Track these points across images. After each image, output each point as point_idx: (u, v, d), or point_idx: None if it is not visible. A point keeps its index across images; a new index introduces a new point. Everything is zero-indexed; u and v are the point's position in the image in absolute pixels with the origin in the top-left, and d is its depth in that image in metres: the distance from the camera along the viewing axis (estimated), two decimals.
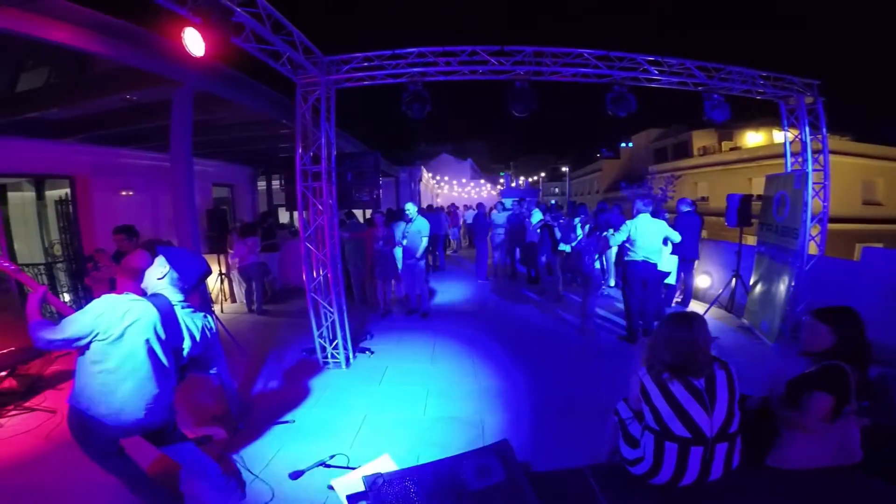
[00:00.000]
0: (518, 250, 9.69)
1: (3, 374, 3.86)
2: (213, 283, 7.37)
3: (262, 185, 12.91)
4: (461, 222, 16.14)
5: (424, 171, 18.62)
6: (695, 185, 23.25)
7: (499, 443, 2.03)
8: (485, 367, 4.82)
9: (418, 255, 6.52)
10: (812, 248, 5.69)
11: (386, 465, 2.78)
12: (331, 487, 2.69)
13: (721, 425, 1.92)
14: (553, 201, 24.63)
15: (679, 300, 7.01)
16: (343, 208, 6.41)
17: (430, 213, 11.21)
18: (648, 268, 5.29)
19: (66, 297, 7.13)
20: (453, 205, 17.72)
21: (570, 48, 4.88)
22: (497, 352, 5.28)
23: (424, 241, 6.52)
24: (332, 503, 2.59)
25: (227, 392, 3.70)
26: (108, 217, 6.68)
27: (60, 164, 6.92)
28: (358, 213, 8.73)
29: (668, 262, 5.93)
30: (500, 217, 9.77)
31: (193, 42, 2.85)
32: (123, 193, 7.92)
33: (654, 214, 5.44)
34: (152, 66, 3.66)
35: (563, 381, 4.43)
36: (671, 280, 6.62)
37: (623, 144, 38.27)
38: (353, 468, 2.93)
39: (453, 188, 29.54)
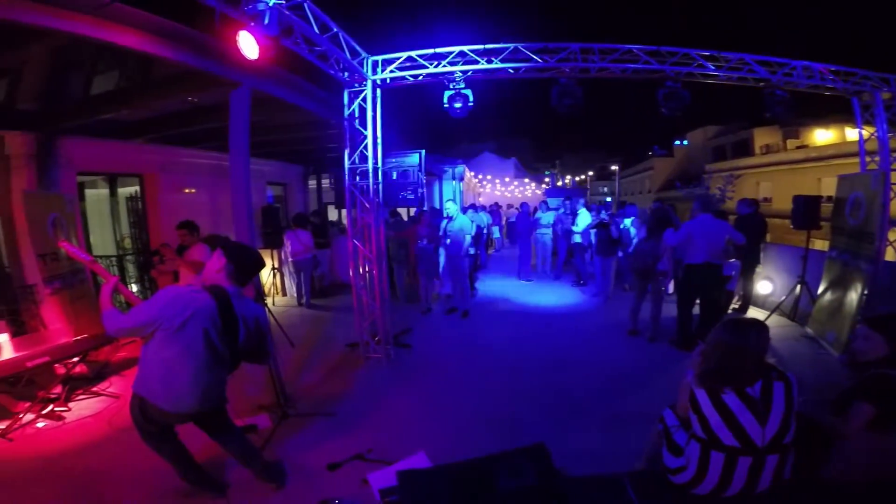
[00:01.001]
0: (564, 250, 9.49)
1: (76, 359, 4.15)
2: (265, 276, 7.71)
3: (312, 183, 13.34)
4: (503, 221, 16.00)
5: (466, 169, 18.57)
6: (756, 185, 21.93)
7: (534, 445, 2.00)
8: (525, 369, 4.75)
9: (462, 253, 6.52)
10: (889, 254, 5.21)
11: (420, 461, 2.79)
12: (365, 481, 2.74)
13: (774, 436, 1.83)
14: (608, 199, 23.82)
15: (736, 306, 6.63)
16: (388, 206, 6.53)
17: (471, 211, 11.17)
18: (710, 271, 5.01)
19: (134, 288, 7.69)
20: (496, 204, 17.60)
21: (619, 44, 4.70)
22: (539, 353, 5.19)
23: (468, 240, 6.52)
24: (365, 496, 2.63)
25: (275, 382, 3.86)
26: (172, 213, 7.14)
27: (131, 163, 7.45)
28: (402, 210, 8.87)
29: (727, 266, 5.62)
30: (544, 216, 9.60)
31: (247, 45, 2.98)
32: (186, 191, 8.42)
33: (715, 215, 5.16)
34: (211, 68, 3.86)
35: (606, 385, 4.30)
36: (729, 285, 6.26)
37: (677, 142, 36.62)
38: (388, 463, 2.97)
39: (496, 187, 29.32)
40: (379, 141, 4.84)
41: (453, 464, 2.14)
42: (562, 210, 9.69)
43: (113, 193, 8.04)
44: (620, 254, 7.40)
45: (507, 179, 31.58)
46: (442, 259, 7.26)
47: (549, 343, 5.54)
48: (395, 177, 6.23)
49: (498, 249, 14.52)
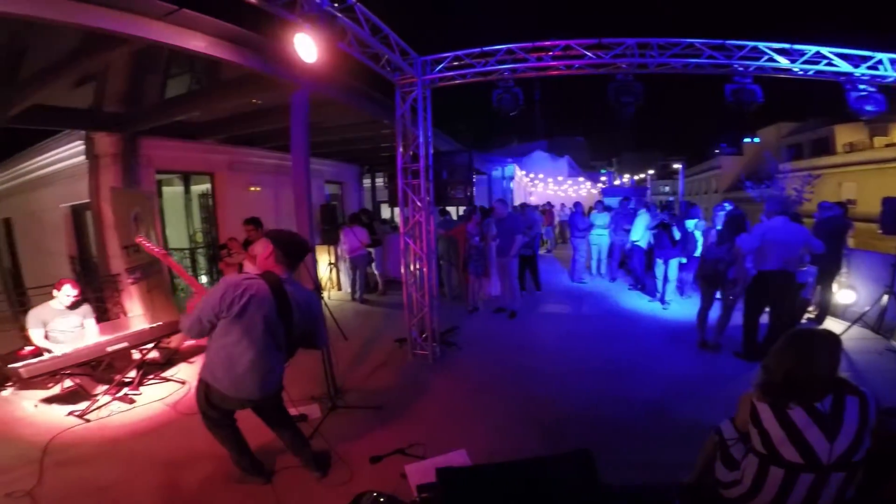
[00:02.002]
0: (620, 252, 9.15)
1: (151, 345, 4.48)
2: (322, 271, 8.03)
3: (367, 182, 13.73)
4: (556, 221, 15.65)
5: (517, 168, 18.33)
6: (838, 186, 20.04)
7: (579, 450, 1.94)
8: (574, 372, 4.63)
9: (511, 253, 6.46)
10: None
11: (461, 459, 2.80)
12: (403, 475, 2.78)
13: (843, 453, 1.69)
14: (670, 199, 22.64)
15: (812, 316, 6.10)
16: (438, 205, 6.58)
17: (523, 211, 11.01)
18: (785, 278, 4.63)
19: (204, 280, 8.28)
20: (548, 203, 17.23)
21: (680, 38, 4.46)
22: (589, 357, 5.04)
23: (518, 240, 6.44)
24: (403, 490, 2.67)
25: (327, 374, 4.01)
26: (239, 209, 7.61)
27: (202, 162, 8.00)
28: (451, 209, 8.91)
29: (802, 273, 5.18)
30: (600, 217, 9.29)
31: (305, 48, 3.12)
32: (252, 189, 8.93)
33: (791, 218, 4.76)
34: (272, 70, 4.08)
35: (660, 394, 4.11)
36: (804, 292, 5.78)
37: (747, 140, 34.15)
38: (428, 458, 3.00)
39: (548, 186, 28.72)
40: (429, 140, 4.90)
41: (493, 464, 2.13)
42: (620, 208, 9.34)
43: (187, 191, 8.68)
44: (683, 258, 7.01)
45: (560, 178, 30.83)
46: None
47: (600, 347, 5.37)
48: (445, 175, 6.27)
49: (549, 250, 14.24)
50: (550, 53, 4.60)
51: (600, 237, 9.32)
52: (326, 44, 3.16)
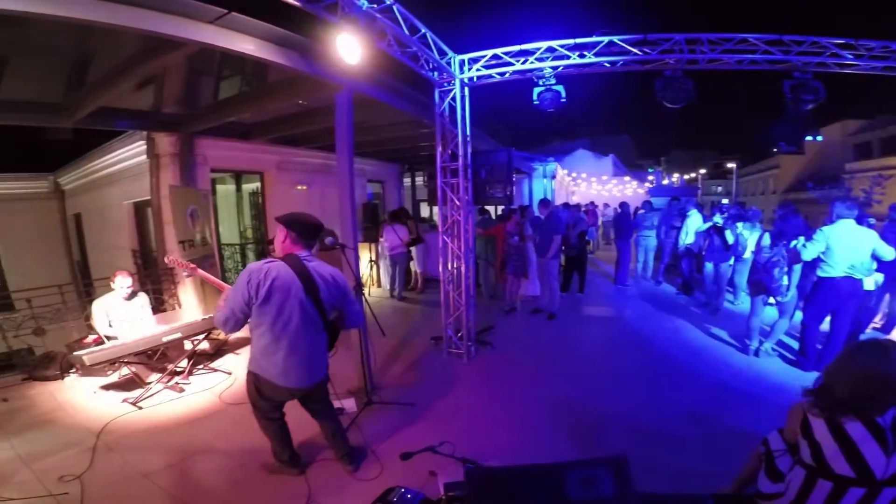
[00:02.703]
0: (668, 254, 8.79)
1: (202, 336, 4.70)
2: (364, 267, 8.21)
3: (406, 181, 13.90)
4: (599, 222, 15.24)
5: (559, 167, 17.97)
6: None
7: (615, 456, 1.88)
8: (613, 377, 4.51)
9: (550, 254, 6.36)
10: None
11: (490, 459, 2.79)
12: (432, 473, 2.80)
13: None
14: (724, 201, 21.48)
15: (878, 325, 5.64)
16: (477, 204, 6.58)
17: (565, 211, 10.78)
18: (850, 286, 4.28)
19: None
20: (592, 203, 16.82)
21: (732, 33, 4.24)
22: (631, 363, 4.89)
23: (557, 240, 6.34)
24: (430, 488, 2.68)
25: (365, 369, 4.10)
26: (286, 207, 7.84)
27: (253, 161, 8.37)
28: (490, 208, 8.84)
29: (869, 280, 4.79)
30: (647, 217, 8.96)
31: (347, 49, 3.20)
32: (298, 187, 9.26)
33: (859, 221, 4.41)
34: (316, 72, 4.20)
35: (704, 402, 3.93)
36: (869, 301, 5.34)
37: (809, 138, 31.90)
38: (458, 458, 3.01)
39: (591, 185, 28.00)
40: (468, 138, 4.90)
41: (523, 465, 2.11)
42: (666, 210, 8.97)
43: (238, 189, 9.11)
44: (734, 261, 6.65)
45: (604, 178, 30.02)
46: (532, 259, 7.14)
47: (641, 353, 5.19)
48: (484, 174, 6.27)
49: (592, 251, 13.87)
50: (593, 50, 4.48)
51: (647, 239, 9.00)
52: (367, 44, 3.23)
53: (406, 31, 3.82)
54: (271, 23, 3.66)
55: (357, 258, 5.11)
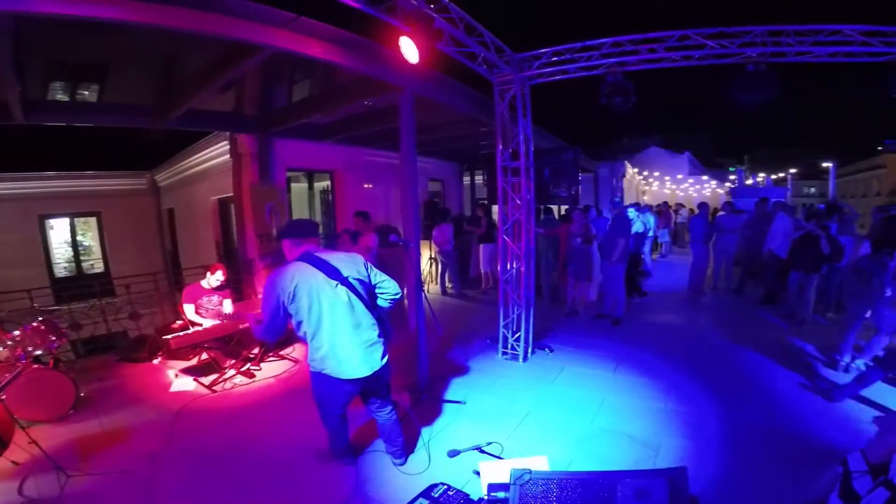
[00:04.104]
0: (750, 261, 8.08)
1: None
2: (424, 264, 8.35)
3: (466, 180, 13.94)
4: (673, 223, 14.35)
5: (629, 166, 17.15)
6: None
7: (673, 468, 1.77)
8: (679, 389, 4.22)
9: (615, 257, 6.08)
10: None
11: (540, 465, 2.73)
12: (476, 472, 2.77)
13: None
14: (820, 206, 19.37)
15: None
16: (540, 203, 6.43)
17: (635, 211, 10.27)
18: None
19: None
20: (664, 203, 15.89)
21: (821, 25, 3.83)
22: (701, 373, 4.54)
23: (623, 243, 6.03)
24: (474, 486, 2.67)
25: (419, 365, 4.16)
26: (354, 204, 8.24)
27: (324, 161, 8.79)
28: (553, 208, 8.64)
29: None
30: (727, 220, 8.28)
31: (408, 49, 3.27)
32: (365, 186, 9.60)
33: None
34: (380, 74, 4.33)
35: (779, 419, 3.61)
36: None
37: None
38: (504, 459, 2.96)
39: (665, 185, 26.46)
40: (530, 137, 4.81)
41: (573, 472, 2.03)
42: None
43: (310, 187, 9.60)
44: (825, 270, 5.99)
45: (679, 177, 28.28)
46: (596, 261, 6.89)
47: (716, 365, 4.80)
48: (547, 174, 6.12)
49: (664, 255, 13.07)
50: (665, 45, 4.22)
51: (727, 243, 8.32)
52: (426, 45, 3.29)
53: (462, 32, 3.83)
54: (337, 26, 3.82)
55: (419, 255, 5.20)
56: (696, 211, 9.35)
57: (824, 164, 36.44)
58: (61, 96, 5.05)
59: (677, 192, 26.61)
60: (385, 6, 3.22)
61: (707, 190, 28.64)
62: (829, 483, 1.87)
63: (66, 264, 11.18)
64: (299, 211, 9.59)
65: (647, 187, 24.55)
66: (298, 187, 9.88)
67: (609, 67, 4.48)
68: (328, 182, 9.20)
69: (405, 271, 4.65)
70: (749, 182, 40.73)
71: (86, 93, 5.09)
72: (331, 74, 5.29)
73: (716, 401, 3.98)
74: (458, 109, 6.17)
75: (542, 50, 4.63)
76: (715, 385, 4.29)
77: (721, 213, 8.88)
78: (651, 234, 10.30)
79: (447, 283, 8.30)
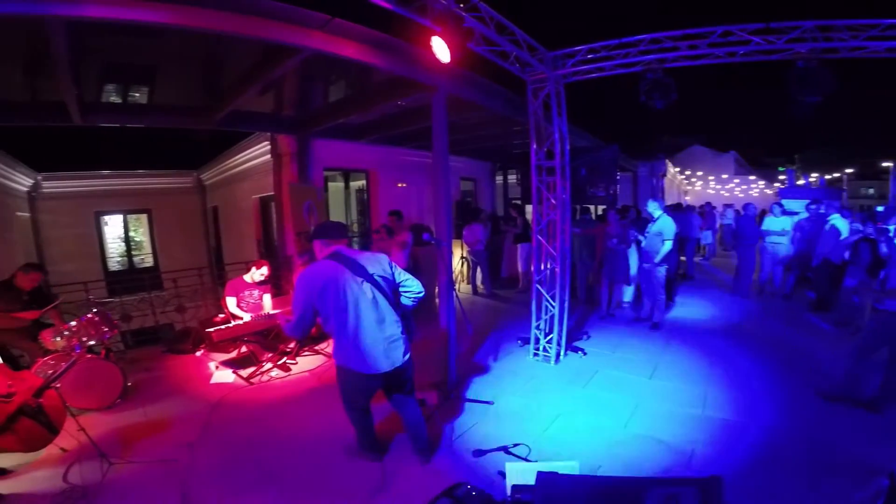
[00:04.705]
0: (801, 265, 7.63)
1: None
2: (455, 263, 8.37)
3: (499, 179, 13.82)
4: (717, 225, 13.75)
5: (670, 165, 16.55)
6: None
7: (708, 478, 1.68)
8: (718, 397, 4.03)
9: (657, 259, 5.86)
10: None
11: (567, 469, 2.67)
12: (501, 473, 2.75)
13: None
14: (879, 209, 18.05)
15: None
16: (577, 203, 6.29)
17: (677, 212, 9.89)
18: None
19: None
20: (708, 204, 15.27)
21: (877, 19, 3.59)
22: (742, 381, 4.34)
23: (667, 245, 5.81)
24: (498, 488, 2.65)
25: (448, 364, 4.15)
26: (388, 203, 8.34)
27: (359, 160, 8.93)
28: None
29: None
30: (775, 222, 7.83)
31: (440, 49, 3.29)
32: (399, 185, 9.69)
33: None
34: (413, 73, 4.36)
35: (826, 430, 3.41)
36: None
37: None
38: (531, 461, 2.94)
39: (708, 185, 25.43)
40: (565, 136, 4.71)
41: (600, 476, 1.97)
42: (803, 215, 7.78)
43: (346, 186, 9.78)
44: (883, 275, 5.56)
45: (724, 176, 27.14)
46: (633, 263, 6.68)
47: (757, 373, 4.55)
48: (584, 173, 5.97)
49: (707, 258, 12.55)
50: (706, 41, 4.05)
51: (776, 246, 7.87)
52: (457, 44, 3.29)
53: (493, 30, 3.81)
54: (369, 27, 3.87)
55: (451, 254, 5.20)
56: (742, 212, 8.90)
57: (884, 164, 33.98)
58: (114, 98, 5.34)
59: (722, 192, 25.50)
60: (415, 6, 3.24)
61: (754, 190, 27.36)
62: (873, 497, 1.79)
63: (119, 258, 11.86)
64: (336, 209, 9.79)
65: (689, 187, 23.66)
66: (335, 186, 10.08)
67: (648, 64, 4.34)
68: (363, 181, 9.34)
69: (437, 270, 4.66)
70: (801, 182, 38.43)
71: (136, 95, 5.37)
72: (365, 75, 5.36)
73: (756, 409, 3.80)
74: (490, 108, 6.12)
75: (577, 47, 4.54)
76: (756, 393, 4.09)
77: (769, 214, 8.43)
78: (694, 235, 9.93)
79: (478, 283, 8.26)
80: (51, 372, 3.38)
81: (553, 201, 4.84)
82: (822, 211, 7.45)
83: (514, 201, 10.61)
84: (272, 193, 7.74)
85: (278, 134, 7.15)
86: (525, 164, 5.07)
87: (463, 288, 8.64)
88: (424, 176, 9.43)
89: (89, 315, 4.14)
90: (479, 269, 8.32)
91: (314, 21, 3.64)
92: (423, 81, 4.44)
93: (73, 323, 4.02)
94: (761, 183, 28.93)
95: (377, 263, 2.80)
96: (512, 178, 13.42)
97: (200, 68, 5.02)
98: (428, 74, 4.31)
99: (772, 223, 7.89)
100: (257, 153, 8.47)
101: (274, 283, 6.42)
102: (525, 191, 7.27)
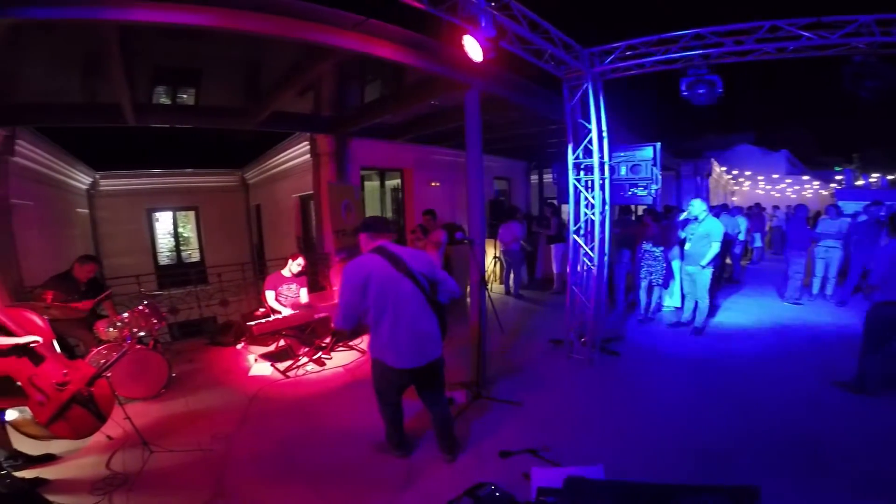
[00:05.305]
0: (858, 271, 7.12)
1: None
2: (488, 263, 8.32)
3: (534, 178, 13.64)
4: (767, 227, 13.06)
5: (715, 164, 15.81)
6: None
7: (744, 486, 1.59)
8: (762, 405, 3.83)
9: (703, 262, 5.60)
10: None
11: (595, 473, 2.61)
12: (526, 475, 2.72)
13: None
14: None
15: None
16: (615, 203, 6.09)
17: (723, 213, 9.44)
18: None
19: None
20: (757, 205, 14.52)
21: None
22: (788, 390, 4.10)
23: (715, 248, 5.52)
24: (523, 490, 2.61)
25: (478, 363, 4.13)
26: (423, 202, 8.40)
27: (395, 159, 9.03)
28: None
29: None
30: (831, 224, 7.35)
31: (472, 48, 3.28)
32: (433, 184, 9.74)
33: None
34: (446, 72, 4.37)
35: (870, 441, 3.21)
36: None
37: None
38: (558, 465, 2.89)
39: (757, 185, 24.18)
40: (604, 134, 4.59)
41: (629, 482, 1.90)
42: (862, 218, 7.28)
43: (382, 185, 9.91)
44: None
45: (774, 176, 25.74)
46: (675, 265, 6.44)
47: (807, 379, 4.29)
48: (624, 172, 5.77)
49: (755, 261, 11.91)
50: (753, 36, 3.85)
51: (830, 250, 7.39)
52: (490, 43, 3.26)
53: (526, 28, 3.76)
54: (405, 26, 3.91)
55: (483, 253, 5.18)
56: (794, 213, 8.39)
57: None
58: (164, 100, 5.63)
59: (773, 192, 24.21)
60: (446, 6, 3.24)
61: (808, 191, 25.81)
62: None
63: (169, 253, 12.48)
64: (372, 208, 9.94)
65: (736, 187, 22.61)
66: (371, 185, 10.24)
67: (690, 61, 4.18)
68: (398, 180, 9.43)
69: (469, 269, 4.65)
70: (860, 183, 35.96)
71: (184, 96, 5.64)
72: (400, 75, 5.42)
73: (807, 418, 3.58)
74: (525, 106, 6.05)
75: (615, 44, 4.42)
76: (801, 404, 3.85)
77: (824, 216, 7.91)
78: (741, 237, 9.46)
79: (511, 284, 8.17)
80: (103, 361, 3.57)
81: (591, 201, 4.73)
82: (882, 213, 6.94)
83: (549, 200, 10.44)
84: (311, 192, 7.94)
85: (317, 134, 7.33)
86: (562, 163, 4.97)
87: (495, 288, 8.58)
88: (458, 175, 9.44)
89: (140, 307, 4.37)
90: (512, 269, 8.22)
91: (349, 21, 3.72)
92: (457, 79, 4.44)
93: (126, 314, 4.25)
94: (816, 183, 27.22)
95: (419, 259, 2.86)
96: (548, 177, 13.21)
97: (242, 71, 5.22)
98: (461, 72, 4.31)
99: (825, 226, 7.42)
100: (297, 153, 8.71)
101: (311, 280, 6.60)
102: (561, 190, 7.11)
